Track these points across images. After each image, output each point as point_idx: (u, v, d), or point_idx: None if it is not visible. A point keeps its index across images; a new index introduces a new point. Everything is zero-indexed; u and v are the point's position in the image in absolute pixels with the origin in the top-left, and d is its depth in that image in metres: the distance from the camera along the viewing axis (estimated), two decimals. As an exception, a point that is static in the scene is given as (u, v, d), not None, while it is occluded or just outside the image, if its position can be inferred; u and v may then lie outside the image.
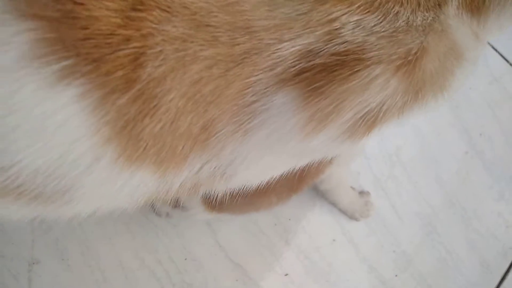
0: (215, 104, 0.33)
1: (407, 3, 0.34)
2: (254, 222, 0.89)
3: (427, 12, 0.35)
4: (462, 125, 0.99)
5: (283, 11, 0.32)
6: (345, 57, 0.34)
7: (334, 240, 0.93)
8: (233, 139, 0.36)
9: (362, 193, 0.93)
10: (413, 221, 0.97)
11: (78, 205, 0.37)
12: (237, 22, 0.31)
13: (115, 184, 0.35)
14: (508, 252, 1.02)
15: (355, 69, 0.34)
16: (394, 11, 0.34)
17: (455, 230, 0.99)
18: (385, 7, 0.34)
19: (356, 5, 0.33)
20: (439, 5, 0.36)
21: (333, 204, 0.91)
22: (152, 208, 0.82)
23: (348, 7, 0.33)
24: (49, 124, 0.29)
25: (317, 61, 0.33)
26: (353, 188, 0.93)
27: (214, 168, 0.38)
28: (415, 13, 0.35)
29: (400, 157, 0.96)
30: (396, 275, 0.93)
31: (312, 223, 0.92)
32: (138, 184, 0.36)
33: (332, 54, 0.33)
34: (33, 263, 0.81)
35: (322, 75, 0.34)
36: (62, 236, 0.82)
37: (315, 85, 0.34)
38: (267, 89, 0.34)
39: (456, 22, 0.37)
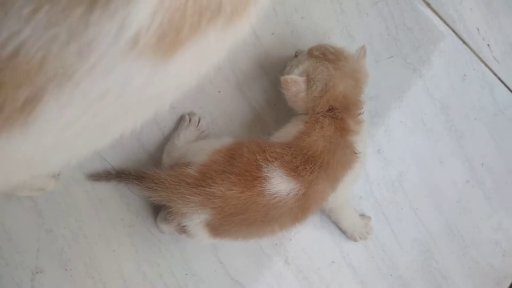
0: None
1: None
2: (256, 240, 0.90)
3: None
4: (465, 154, 1.00)
5: None
6: None
7: (333, 262, 0.94)
8: None
9: (363, 216, 0.95)
10: (412, 246, 0.98)
11: None
12: None
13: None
14: (503, 281, 1.04)
15: None
16: None
17: (453, 258, 1.01)
18: None
19: None
20: None
21: (336, 222, 0.93)
22: (157, 224, 0.83)
23: None
24: None
25: None
26: (355, 210, 0.94)
27: None
28: None
29: (403, 184, 0.97)
30: (392, 300, 0.95)
31: (312, 245, 0.93)
32: None
33: None
34: (37, 272, 0.82)
35: None
36: (67, 246, 0.83)
37: None
38: None
39: None
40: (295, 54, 0.88)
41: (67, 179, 0.84)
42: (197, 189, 0.70)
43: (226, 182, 0.70)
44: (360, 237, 0.93)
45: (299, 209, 0.74)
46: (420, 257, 0.99)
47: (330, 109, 0.78)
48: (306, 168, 0.73)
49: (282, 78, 0.79)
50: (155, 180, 0.73)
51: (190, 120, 0.86)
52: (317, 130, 0.76)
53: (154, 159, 0.86)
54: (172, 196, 0.72)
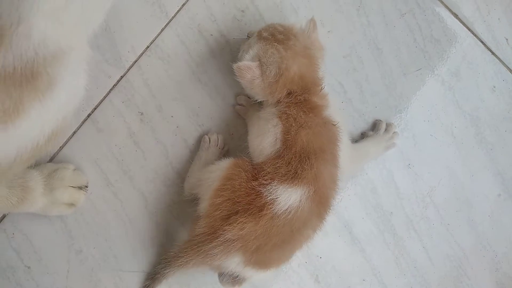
0: None
1: None
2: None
3: None
4: (496, 168, 0.98)
5: None
6: None
7: (364, 280, 0.92)
8: None
9: (378, 129, 0.92)
10: (444, 263, 0.96)
11: None
12: None
13: None
14: (537, 296, 1.01)
15: None
16: None
17: (485, 273, 0.98)
18: None
19: None
20: None
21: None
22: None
23: None
24: None
25: None
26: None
27: None
28: None
29: (433, 198, 0.95)
30: (426, 319, 0.92)
31: (343, 262, 0.91)
32: None
33: None
34: (67, 293, 0.81)
35: None
36: (97, 267, 0.82)
37: None
38: None
39: None
40: (247, 36, 0.84)
41: (97, 198, 0.83)
42: (213, 242, 0.68)
43: (235, 224, 0.68)
44: (389, 147, 0.92)
45: (318, 206, 0.71)
46: (452, 273, 0.96)
47: (289, 94, 0.74)
48: (305, 168, 0.69)
49: (234, 65, 0.74)
50: (180, 256, 0.72)
51: (210, 141, 0.85)
52: (292, 124, 0.72)
53: (182, 176, 0.85)
54: (199, 259, 0.70)
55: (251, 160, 0.76)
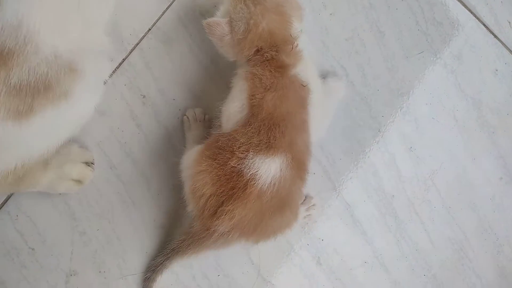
0: None
1: None
2: (287, 241, 0.89)
3: None
4: (498, 151, 0.98)
5: None
6: None
7: (365, 262, 0.93)
8: None
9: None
10: (445, 246, 0.96)
11: None
12: None
13: None
14: (538, 279, 1.01)
15: None
16: None
17: (487, 256, 0.98)
18: None
19: None
20: None
21: None
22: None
23: None
24: None
25: None
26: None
27: None
28: None
29: (435, 181, 0.95)
30: (427, 300, 0.93)
31: (344, 245, 0.92)
32: None
33: None
34: (71, 275, 0.82)
35: None
36: (100, 248, 0.83)
37: None
38: None
39: None
40: None
41: (100, 181, 0.84)
42: (211, 238, 0.69)
43: (223, 216, 0.66)
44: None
45: (299, 170, 0.71)
46: (453, 256, 0.97)
47: (257, 51, 0.72)
48: (276, 135, 0.68)
49: (203, 22, 0.72)
50: (180, 250, 0.74)
51: (189, 120, 0.85)
52: (258, 86, 0.70)
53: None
54: (201, 251, 0.73)
55: (221, 131, 0.73)
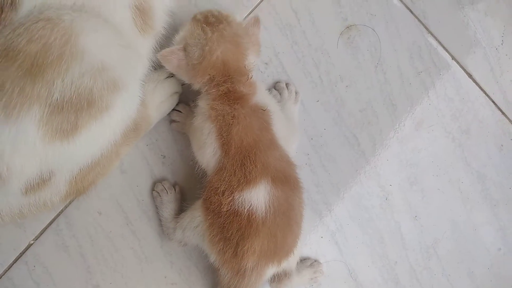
0: None
1: None
2: None
3: None
4: (498, 223, 1.02)
5: None
6: None
7: (365, 325, 0.96)
8: None
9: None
10: (443, 312, 0.99)
11: None
12: None
13: None
14: None
15: None
16: None
17: (482, 324, 1.02)
18: None
19: None
20: None
21: None
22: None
23: None
24: None
25: None
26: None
27: None
28: None
29: (437, 250, 0.99)
30: None
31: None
32: None
33: None
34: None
35: None
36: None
37: None
38: None
39: None
40: None
41: (116, 236, 0.87)
42: (247, 275, 0.72)
43: (246, 254, 0.70)
44: None
45: (286, 183, 0.73)
46: (450, 322, 1.00)
47: (210, 80, 0.73)
48: (249, 168, 0.70)
49: (157, 55, 0.73)
50: None
51: (160, 194, 0.86)
52: (222, 124, 0.71)
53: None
54: None
55: (205, 176, 0.77)
